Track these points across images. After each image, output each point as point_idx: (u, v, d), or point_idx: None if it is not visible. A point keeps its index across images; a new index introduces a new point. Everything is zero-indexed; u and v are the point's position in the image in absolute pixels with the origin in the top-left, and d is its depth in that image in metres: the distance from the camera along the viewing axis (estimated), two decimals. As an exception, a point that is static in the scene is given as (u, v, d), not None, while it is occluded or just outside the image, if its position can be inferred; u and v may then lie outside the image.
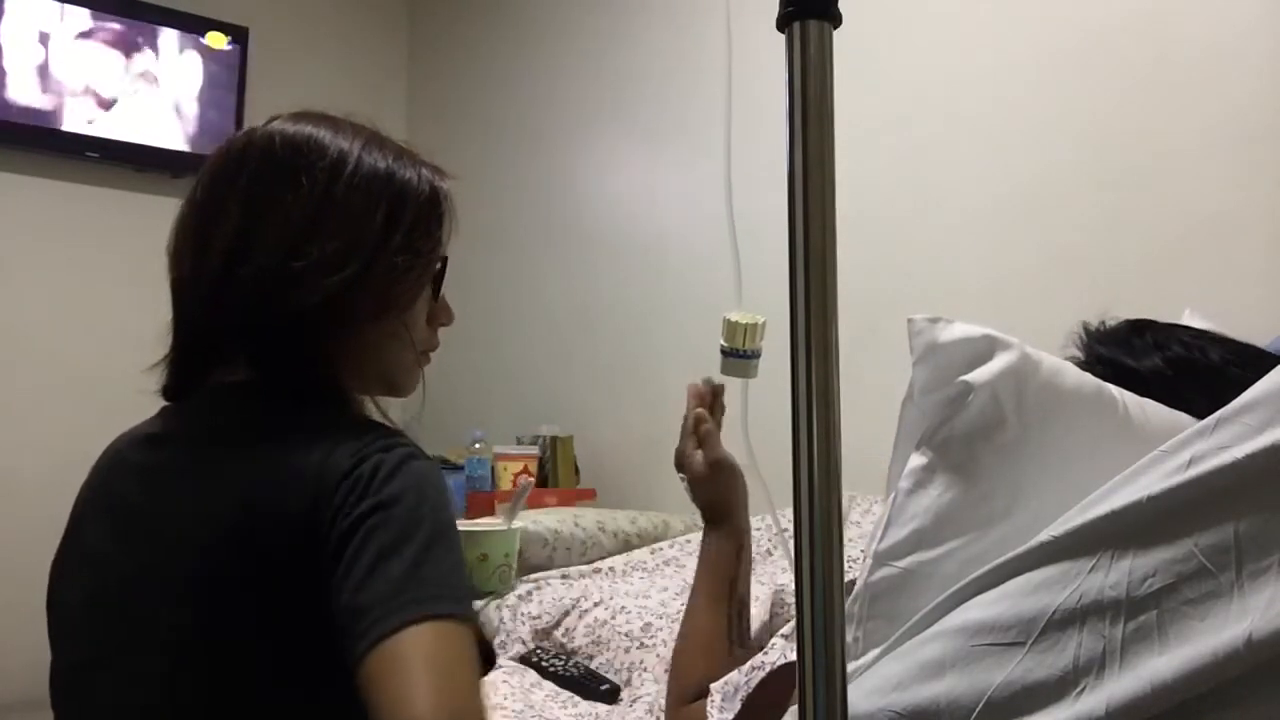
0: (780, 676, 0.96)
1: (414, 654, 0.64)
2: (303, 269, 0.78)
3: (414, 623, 0.64)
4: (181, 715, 0.74)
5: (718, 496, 1.11)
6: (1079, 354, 0.89)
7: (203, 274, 0.82)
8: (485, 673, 0.69)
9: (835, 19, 0.54)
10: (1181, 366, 0.84)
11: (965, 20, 1.96)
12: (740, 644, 1.10)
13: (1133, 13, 1.73)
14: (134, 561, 0.78)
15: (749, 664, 1.00)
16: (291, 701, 0.74)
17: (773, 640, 1.06)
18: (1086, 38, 1.78)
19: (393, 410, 0.94)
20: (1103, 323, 0.92)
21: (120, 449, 0.87)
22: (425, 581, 0.68)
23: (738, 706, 0.95)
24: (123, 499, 0.83)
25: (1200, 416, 0.75)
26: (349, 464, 0.73)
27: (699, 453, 1.11)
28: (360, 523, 0.70)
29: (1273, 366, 0.82)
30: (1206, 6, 1.65)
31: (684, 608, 1.12)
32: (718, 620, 1.07)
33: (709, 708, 0.98)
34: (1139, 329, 0.89)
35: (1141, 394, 0.77)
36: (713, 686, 1.00)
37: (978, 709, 0.60)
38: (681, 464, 1.12)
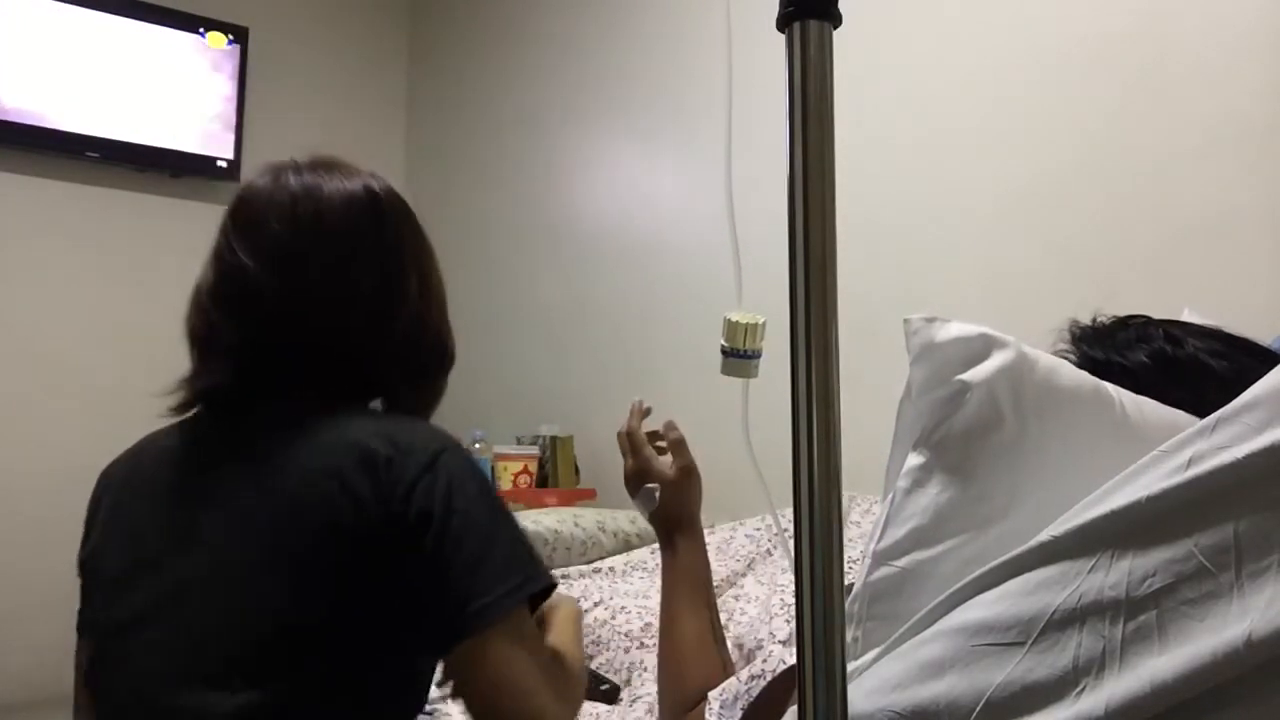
0: (778, 681, 0.96)
1: (503, 646, 0.80)
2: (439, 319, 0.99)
3: (511, 606, 0.80)
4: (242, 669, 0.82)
5: (687, 503, 1.12)
6: (1069, 351, 0.89)
7: (342, 319, 0.92)
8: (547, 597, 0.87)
9: (835, 19, 0.54)
10: (1162, 360, 0.84)
11: (965, 20, 1.96)
12: (722, 643, 1.10)
13: (1133, 13, 1.73)
14: (208, 537, 0.86)
15: (747, 672, 0.99)
16: (351, 668, 0.83)
17: (769, 648, 1.06)
18: (1086, 38, 1.78)
19: None
20: (1094, 319, 0.92)
21: (160, 443, 0.95)
22: (519, 563, 0.83)
23: (738, 714, 0.95)
24: (178, 480, 0.91)
25: (1182, 409, 0.75)
26: (428, 457, 0.83)
27: (668, 459, 1.12)
28: (451, 515, 0.81)
29: (1262, 357, 0.83)
30: (1206, 7, 1.65)
31: (660, 624, 1.12)
32: (700, 625, 1.07)
33: (707, 715, 0.98)
34: (1124, 324, 0.89)
35: (1130, 389, 0.77)
36: (710, 695, 0.99)
37: (977, 709, 0.60)
38: (643, 478, 1.12)
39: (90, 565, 0.94)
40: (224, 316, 0.91)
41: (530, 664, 0.81)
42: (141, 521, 0.91)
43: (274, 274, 0.90)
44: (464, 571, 0.80)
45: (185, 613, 0.84)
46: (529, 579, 0.83)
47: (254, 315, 0.91)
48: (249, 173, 0.99)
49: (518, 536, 0.85)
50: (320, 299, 0.91)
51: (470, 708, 0.82)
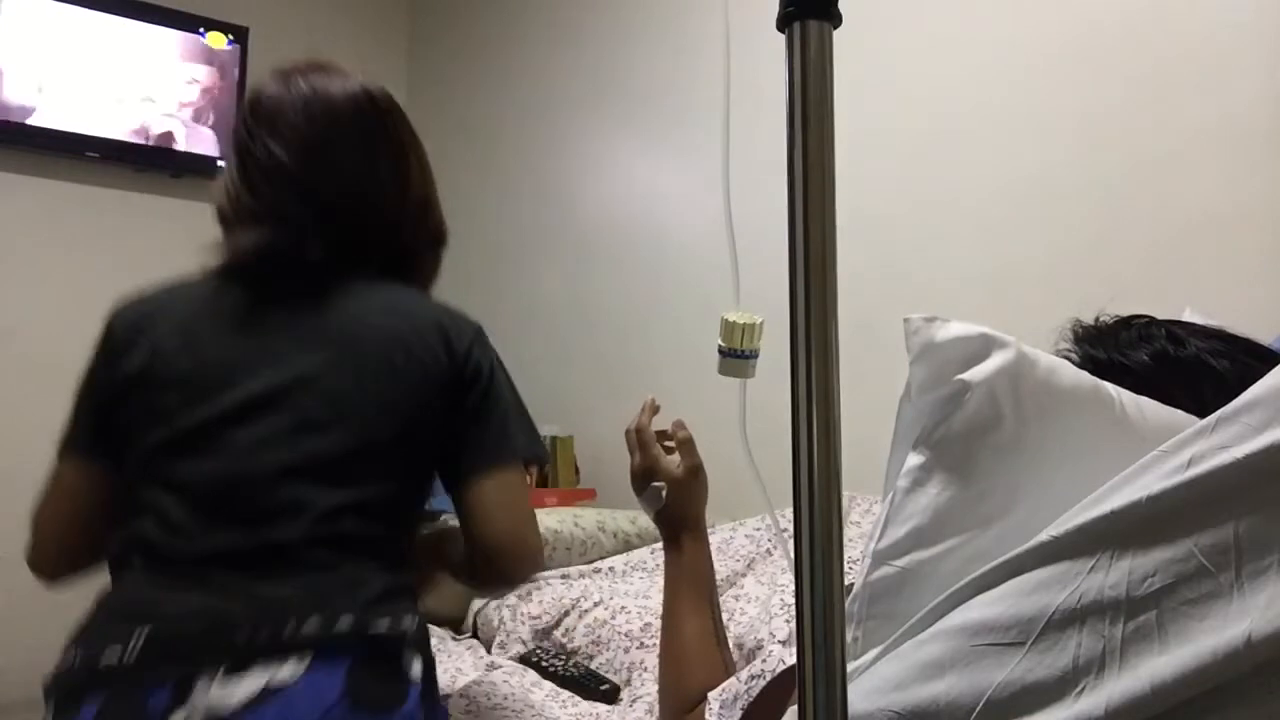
0: (778, 682, 0.96)
1: (516, 480, 1.07)
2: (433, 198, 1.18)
3: (527, 456, 1.09)
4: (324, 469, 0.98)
5: (693, 503, 1.12)
6: (1070, 351, 0.89)
7: (381, 194, 1.11)
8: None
9: (835, 19, 0.54)
10: (1164, 359, 0.84)
11: (965, 20, 1.96)
12: (724, 643, 1.10)
13: (1132, 12, 1.73)
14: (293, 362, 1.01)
15: (747, 672, 0.99)
16: (412, 482, 1.06)
17: (769, 648, 1.06)
18: (1086, 37, 1.78)
19: None
20: (1096, 319, 0.92)
21: (193, 290, 1.09)
22: (533, 431, 1.12)
23: (738, 714, 0.95)
24: (241, 313, 1.05)
25: (1181, 409, 0.75)
26: (474, 332, 1.10)
27: (675, 458, 1.12)
28: (493, 376, 1.09)
29: (1264, 357, 0.83)
30: (1206, 6, 1.65)
31: (662, 624, 1.12)
32: (703, 625, 1.07)
33: (707, 715, 0.98)
34: (1127, 324, 0.89)
35: (1131, 389, 0.77)
36: (710, 695, 0.99)
37: (977, 709, 0.60)
38: (650, 476, 1.12)
39: (153, 370, 1.03)
40: (257, 197, 1.07)
41: (528, 501, 1.09)
42: (222, 334, 1.04)
43: (300, 159, 1.06)
44: (501, 419, 1.07)
45: (307, 404, 0.99)
46: (538, 444, 1.11)
47: (288, 192, 1.06)
48: (256, 79, 1.14)
49: (527, 412, 1.12)
50: (345, 178, 1.08)
51: (477, 526, 1.04)
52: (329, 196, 1.07)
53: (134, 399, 1.03)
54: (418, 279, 1.16)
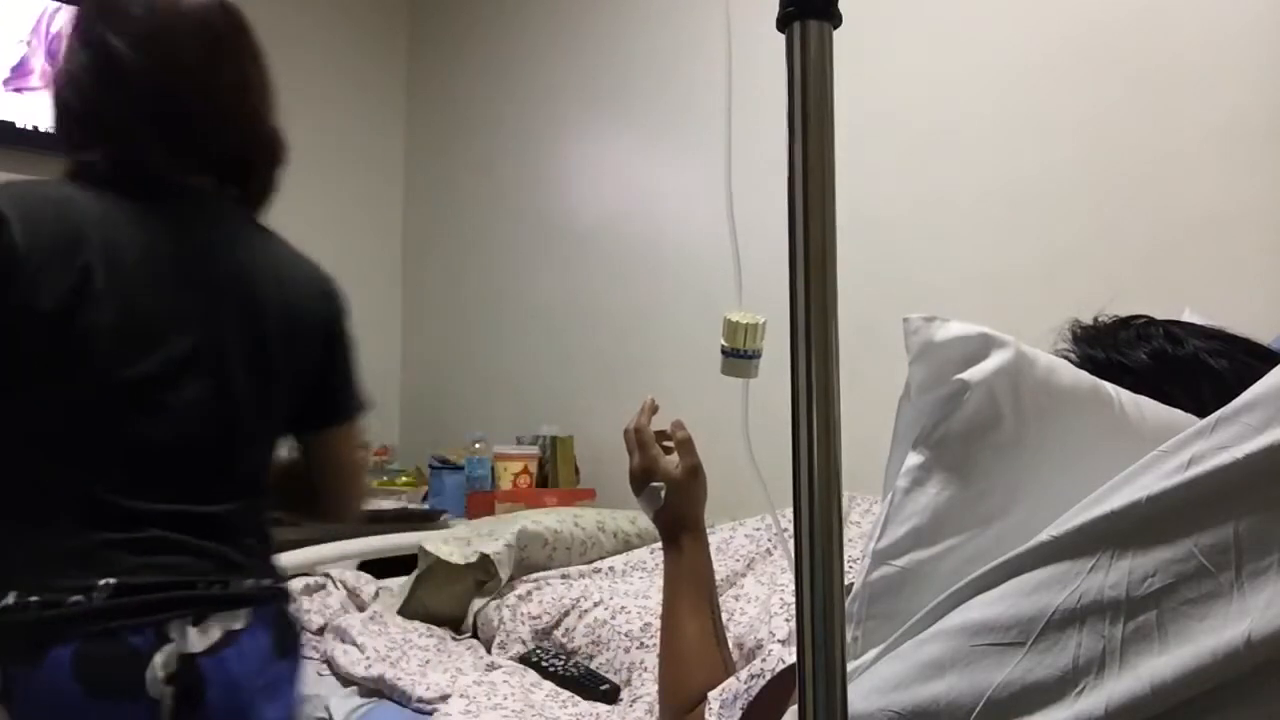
0: (778, 681, 0.96)
1: (359, 432, 1.21)
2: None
3: (363, 410, 1.21)
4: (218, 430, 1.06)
5: (692, 503, 1.11)
6: (1069, 350, 0.89)
7: (231, 107, 1.11)
8: None
9: (835, 19, 0.54)
10: (1163, 359, 0.84)
11: (965, 20, 1.96)
12: (724, 644, 1.10)
13: (1132, 12, 1.73)
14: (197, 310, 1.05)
15: (747, 671, 0.99)
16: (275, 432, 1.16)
17: (769, 647, 1.06)
18: (1086, 37, 1.78)
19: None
20: (1095, 319, 0.92)
21: (107, 210, 1.03)
22: (361, 385, 1.21)
23: (737, 714, 0.95)
24: (150, 253, 1.04)
25: (1180, 408, 0.75)
26: (337, 289, 1.19)
27: (674, 458, 1.11)
28: (345, 334, 1.19)
29: (1263, 357, 0.83)
30: (1206, 6, 1.65)
31: (662, 624, 1.12)
32: (703, 626, 1.07)
33: (707, 715, 0.98)
34: (1126, 323, 0.89)
35: (1131, 389, 0.77)
36: (710, 695, 0.99)
37: (978, 709, 0.60)
38: (649, 477, 1.11)
39: (83, 308, 0.96)
40: (102, 93, 1.04)
41: (362, 453, 1.22)
42: (141, 279, 1.02)
43: (142, 53, 1.04)
44: (347, 376, 1.19)
45: (227, 369, 1.05)
46: (368, 399, 1.21)
47: (130, 92, 1.04)
48: None
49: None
50: (187, 78, 1.07)
51: (332, 471, 1.18)
52: (169, 96, 1.06)
53: (50, 332, 0.96)
54: (252, 194, 1.16)
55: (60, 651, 0.90)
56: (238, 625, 1.00)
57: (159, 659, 0.93)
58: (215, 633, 0.98)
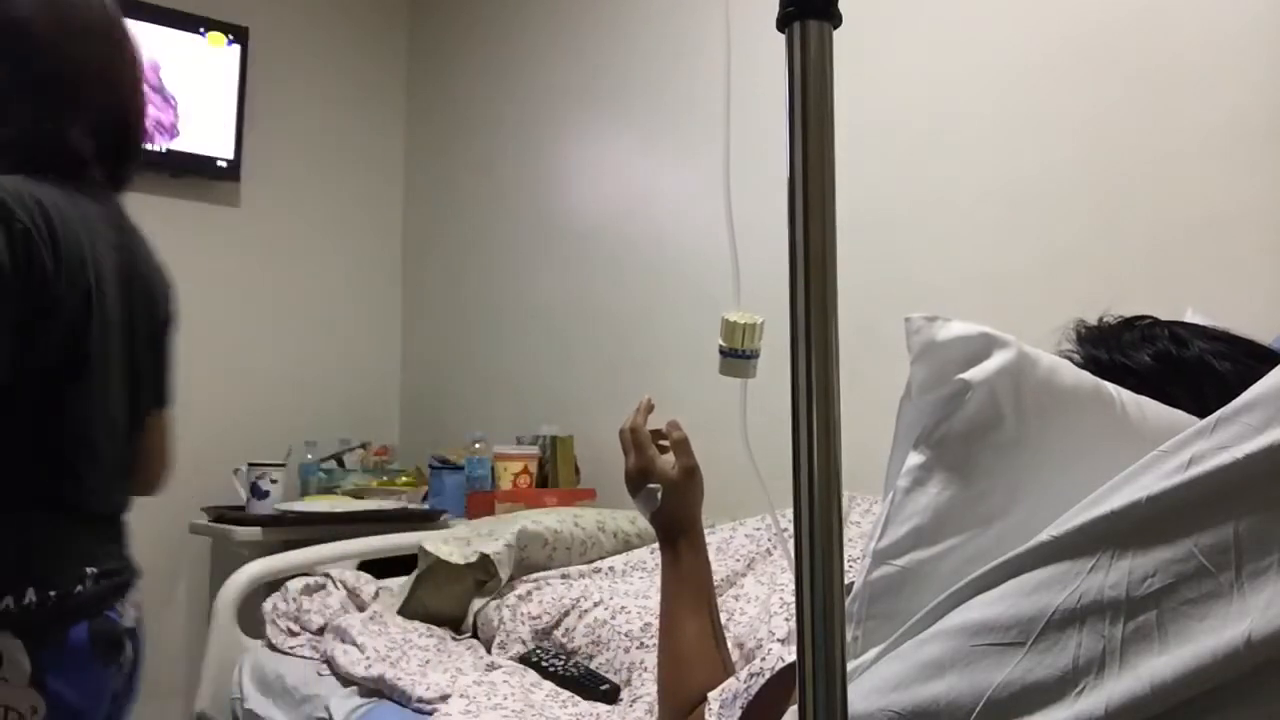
0: (778, 680, 0.96)
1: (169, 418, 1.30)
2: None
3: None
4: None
5: (689, 504, 1.11)
6: (1073, 351, 0.90)
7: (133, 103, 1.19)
8: None
9: (835, 19, 0.54)
10: (1167, 360, 0.84)
11: (965, 20, 1.96)
12: (723, 644, 1.10)
13: (1132, 12, 1.73)
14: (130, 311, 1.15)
15: (747, 670, 0.99)
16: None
17: (769, 646, 1.06)
18: (1086, 37, 1.78)
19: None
20: (1099, 320, 0.92)
21: (88, 214, 1.11)
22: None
23: (737, 713, 0.95)
24: (128, 261, 1.17)
25: (1183, 410, 0.75)
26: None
27: (670, 458, 1.11)
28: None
29: (1266, 359, 0.83)
30: (1206, 6, 1.65)
31: (660, 625, 1.11)
32: (702, 626, 1.07)
33: (706, 715, 0.98)
34: (1130, 324, 0.89)
35: (1134, 389, 0.77)
36: (710, 695, 0.99)
37: (978, 709, 0.60)
38: (645, 478, 1.11)
39: (90, 311, 1.08)
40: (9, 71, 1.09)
41: (169, 436, 1.30)
42: (118, 296, 1.13)
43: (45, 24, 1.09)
44: (172, 363, 1.27)
45: (143, 371, 1.19)
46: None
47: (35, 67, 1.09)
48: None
49: None
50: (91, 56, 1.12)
51: (151, 454, 1.26)
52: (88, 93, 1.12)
53: (57, 356, 1.06)
54: (123, 179, 1.21)
55: (77, 630, 1.06)
56: (139, 599, 1.20)
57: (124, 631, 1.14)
58: (133, 610, 1.18)
